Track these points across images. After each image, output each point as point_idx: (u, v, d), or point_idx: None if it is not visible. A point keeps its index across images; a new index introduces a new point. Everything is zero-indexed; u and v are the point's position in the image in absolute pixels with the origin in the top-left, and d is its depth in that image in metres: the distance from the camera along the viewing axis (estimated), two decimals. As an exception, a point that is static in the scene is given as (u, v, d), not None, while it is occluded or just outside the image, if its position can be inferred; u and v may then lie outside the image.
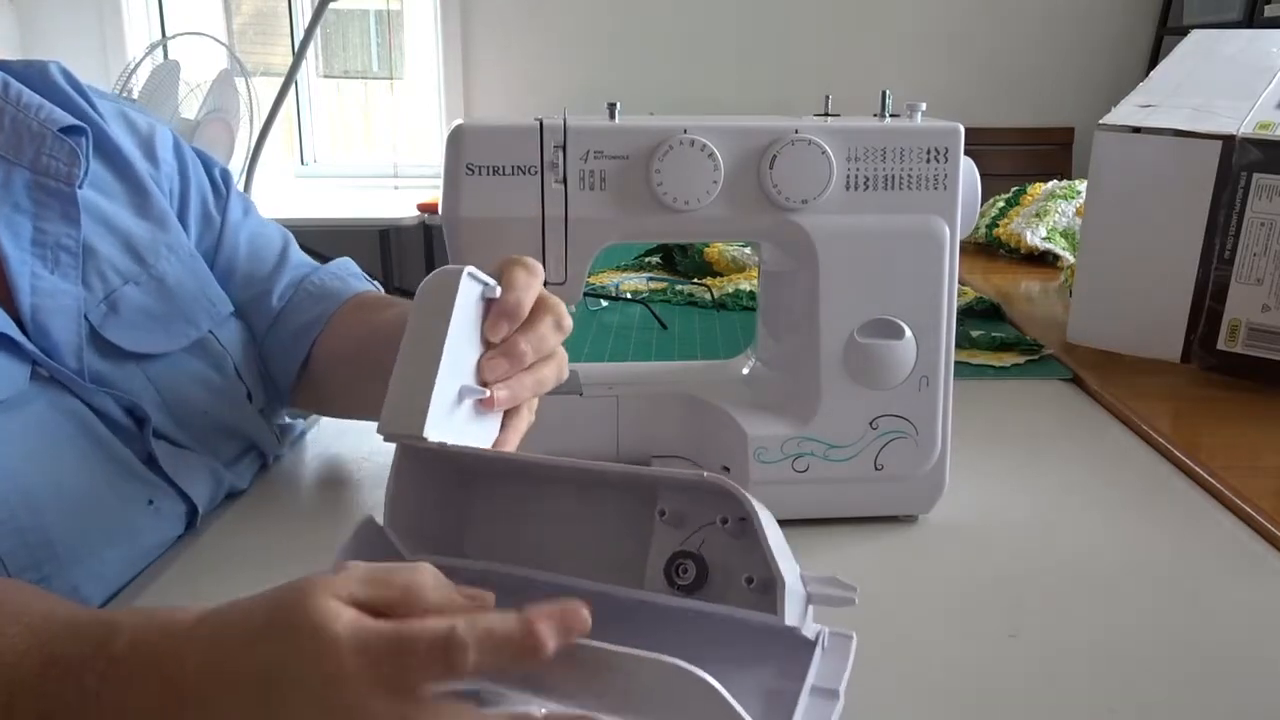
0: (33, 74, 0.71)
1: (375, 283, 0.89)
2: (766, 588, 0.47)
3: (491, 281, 0.53)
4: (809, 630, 0.47)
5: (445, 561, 0.47)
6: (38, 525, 0.58)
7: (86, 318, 0.67)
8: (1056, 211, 1.67)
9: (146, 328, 0.70)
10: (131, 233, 0.72)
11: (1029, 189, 1.75)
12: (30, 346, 0.62)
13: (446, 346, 0.49)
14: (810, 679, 0.46)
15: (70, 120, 0.68)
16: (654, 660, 0.37)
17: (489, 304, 0.53)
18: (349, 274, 0.86)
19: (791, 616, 0.46)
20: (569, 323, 0.57)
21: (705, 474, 0.47)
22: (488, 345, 0.53)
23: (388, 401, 0.50)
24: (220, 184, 0.83)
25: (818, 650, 0.47)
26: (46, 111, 0.68)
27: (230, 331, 0.78)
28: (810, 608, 0.48)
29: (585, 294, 1.19)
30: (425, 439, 0.48)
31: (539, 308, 0.55)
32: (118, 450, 0.66)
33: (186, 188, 0.80)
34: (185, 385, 0.72)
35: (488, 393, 0.52)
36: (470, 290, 0.52)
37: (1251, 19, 2.72)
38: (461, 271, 0.51)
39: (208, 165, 0.82)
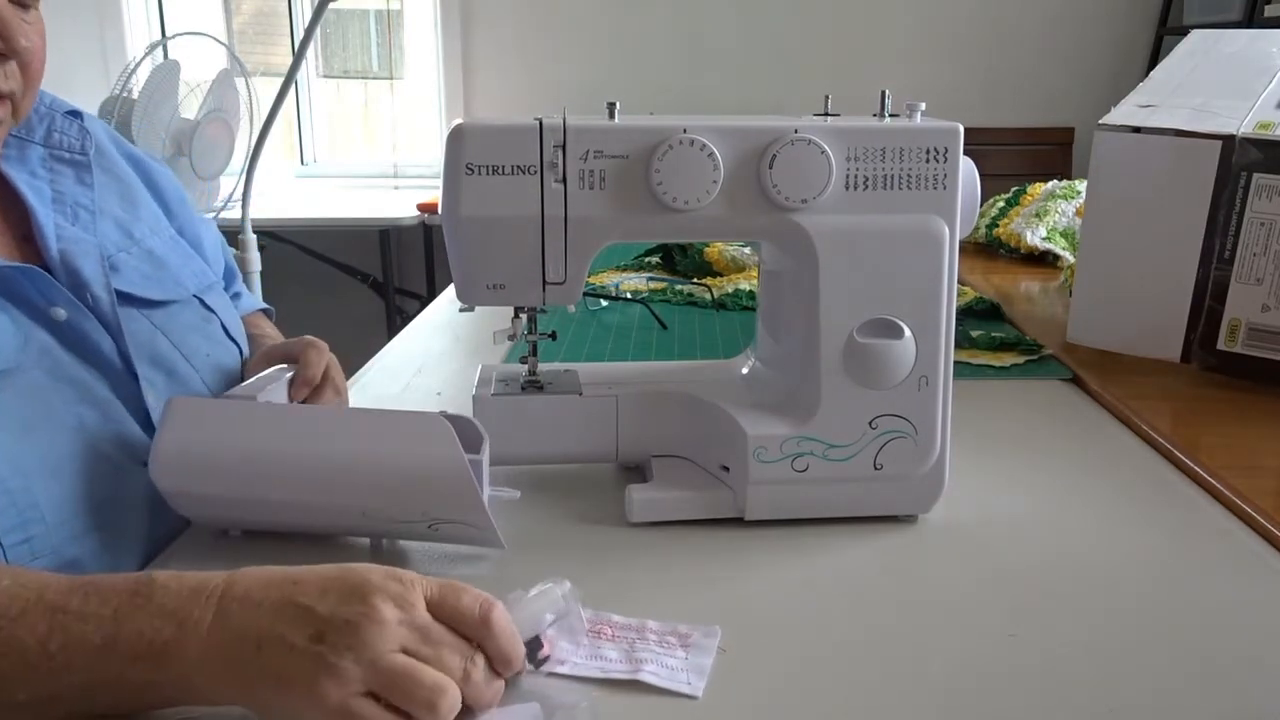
0: None
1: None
2: None
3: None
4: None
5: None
6: (25, 488, 0.61)
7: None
8: (1056, 211, 1.67)
9: (143, 284, 0.77)
10: (119, 215, 0.80)
11: (1029, 189, 1.75)
12: (50, 280, 0.67)
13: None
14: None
15: (71, 106, 0.78)
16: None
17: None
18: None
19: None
20: (344, 384, 0.83)
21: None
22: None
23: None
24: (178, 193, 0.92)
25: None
26: (50, 98, 0.77)
27: (217, 297, 0.86)
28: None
29: (585, 294, 1.19)
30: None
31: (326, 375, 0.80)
32: (114, 411, 0.69)
33: (153, 184, 0.87)
34: (185, 332, 0.79)
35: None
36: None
37: (1251, 19, 2.71)
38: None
39: (160, 173, 0.90)
